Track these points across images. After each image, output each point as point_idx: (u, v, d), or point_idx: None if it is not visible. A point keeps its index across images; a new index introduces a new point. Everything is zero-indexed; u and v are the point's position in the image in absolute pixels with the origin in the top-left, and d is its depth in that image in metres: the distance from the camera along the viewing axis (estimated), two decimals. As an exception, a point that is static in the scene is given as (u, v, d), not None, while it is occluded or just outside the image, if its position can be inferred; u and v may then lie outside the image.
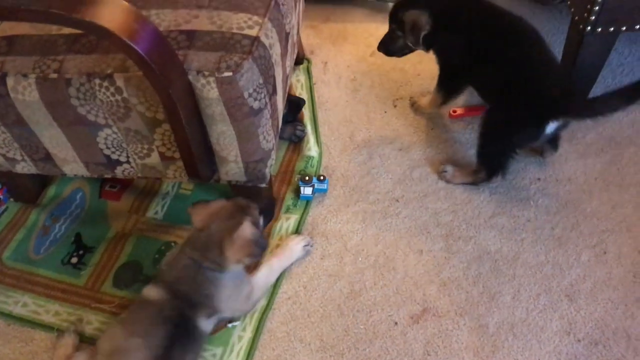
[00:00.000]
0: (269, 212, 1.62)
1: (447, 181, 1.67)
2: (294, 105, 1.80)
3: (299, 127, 1.78)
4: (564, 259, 1.49)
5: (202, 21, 1.27)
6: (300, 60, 2.01)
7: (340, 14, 2.18)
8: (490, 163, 1.62)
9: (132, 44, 1.03)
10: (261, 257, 1.39)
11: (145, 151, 1.36)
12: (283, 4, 1.39)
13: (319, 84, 1.96)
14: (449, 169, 1.68)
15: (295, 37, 1.59)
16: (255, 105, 1.26)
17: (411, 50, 1.70)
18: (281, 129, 1.57)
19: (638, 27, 1.53)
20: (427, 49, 1.67)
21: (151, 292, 1.32)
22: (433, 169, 1.70)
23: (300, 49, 1.97)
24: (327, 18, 2.16)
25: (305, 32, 2.10)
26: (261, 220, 1.39)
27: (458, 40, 1.59)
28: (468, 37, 1.57)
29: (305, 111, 1.85)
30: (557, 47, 1.98)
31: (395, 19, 1.66)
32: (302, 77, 1.96)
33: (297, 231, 1.56)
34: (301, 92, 1.93)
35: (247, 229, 1.29)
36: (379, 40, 1.72)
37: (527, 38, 1.56)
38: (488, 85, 1.62)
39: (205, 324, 1.33)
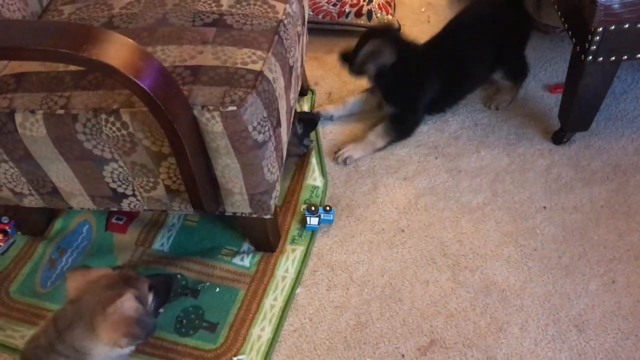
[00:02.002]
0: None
1: (347, 158, 1.81)
2: (309, 122, 1.82)
3: (306, 139, 1.80)
4: (571, 288, 1.48)
5: (207, 57, 1.29)
6: (304, 91, 2.03)
7: (343, 45, 2.17)
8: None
9: (137, 81, 1.05)
10: (145, 339, 1.12)
11: (151, 184, 1.37)
12: (286, 39, 1.41)
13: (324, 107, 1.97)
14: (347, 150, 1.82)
15: (299, 70, 1.61)
16: (260, 138, 1.27)
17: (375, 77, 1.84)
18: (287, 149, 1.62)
19: (639, 56, 1.53)
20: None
21: None
22: (437, 198, 1.70)
23: (304, 80, 1.99)
24: (330, 49, 2.18)
25: (309, 64, 2.12)
26: (150, 298, 1.17)
27: None
28: None
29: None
30: (560, 75, 2.00)
31: (357, 46, 1.79)
32: (307, 108, 1.98)
33: (303, 263, 1.56)
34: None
35: (127, 303, 1.08)
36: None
37: None
38: None
39: None
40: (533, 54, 2.10)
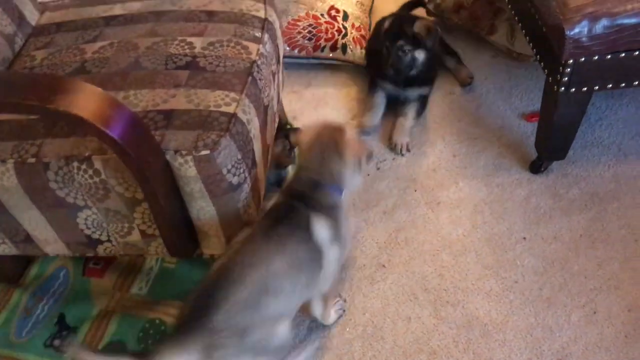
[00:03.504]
0: None
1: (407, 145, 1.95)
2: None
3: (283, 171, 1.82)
4: (553, 320, 1.47)
5: (180, 100, 1.29)
6: (283, 126, 2.03)
7: (321, 79, 2.21)
8: None
9: (106, 131, 1.04)
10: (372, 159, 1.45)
11: (125, 230, 1.35)
12: (260, 79, 1.41)
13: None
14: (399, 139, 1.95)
15: (275, 108, 1.61)
16: (235, 180, 1.26)
17: (413, 67, 1.96)
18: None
19: (610, 86, 1.55)
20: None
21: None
22: (418, 231, 1.69)
23: (282, 115, 1.99)
24: (308, 83, 2.19)
25: (287, 98, 2.13)
26: None
27: None
28: None
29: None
30: (535, 103, 2.02)
31: (402, 36, 1.92)
32: (284, 144, 1.98)
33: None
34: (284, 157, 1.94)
35: (353, 134, 1.39)
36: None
37: None
38: None
39: (320, 229, 1.23)
40: (508, 82, 2.12)
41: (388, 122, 2.03)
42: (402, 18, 2.05)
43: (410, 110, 2.01)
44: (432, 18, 1.97)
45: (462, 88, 2.14)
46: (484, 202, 1.75)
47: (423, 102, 2.05)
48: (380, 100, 2.07)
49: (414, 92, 2.03)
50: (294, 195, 1.28)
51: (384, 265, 1.62)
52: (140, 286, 1.59)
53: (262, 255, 1.18)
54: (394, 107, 2.04)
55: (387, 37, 1.97)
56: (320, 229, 1.24)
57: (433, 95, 2.09)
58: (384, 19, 2.09)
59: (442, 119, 2.02)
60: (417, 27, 1.91)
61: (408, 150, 1.94)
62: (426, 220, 1.72)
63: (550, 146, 1.74)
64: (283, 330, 1.21)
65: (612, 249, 1.61)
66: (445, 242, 1.66)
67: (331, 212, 1.28)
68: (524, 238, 1.65)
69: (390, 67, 1.95)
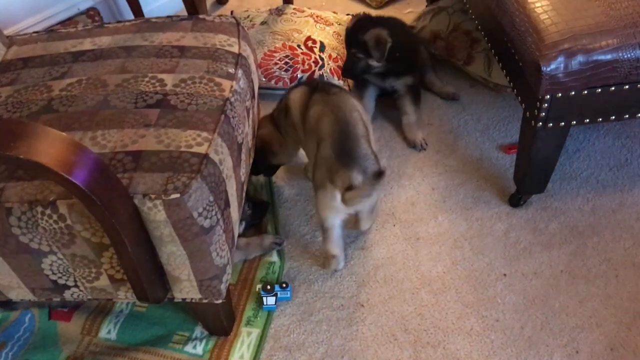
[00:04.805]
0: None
1: (423, 140, 2.02)
2: (259, 208, 1.78)
3: (277, 241, 1.73)
4: (536, 361, 1.44)
5: (149, 140, 1.25)
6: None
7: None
8: None
9: (69, 178, 0.99)
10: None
11: (93, 275, 1.30)
12: (234, 117, 1.37)
13: (278, 182, 1.93)
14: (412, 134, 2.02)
15: (250, 143, 1.58)
16: (206, 223, 1.22)
17: (369, 71, 2.03)
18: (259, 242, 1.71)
19: (587, 120, 1.54)
20: (387, 62, 1.99)
21: None
22: (397, 268, 1.66)
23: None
24: (285, 115, 2.16)
25: (264, 130, 2.09)
26: None
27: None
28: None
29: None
30: (513, 134, 2.01)
31: (355, 43, 1.97)
32: (261, 176, 1.94)
33: (259, 347, 1.49)
34: (260, 191, 1.90)
35: None
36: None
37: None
38: None
39: None
40: (486, 113, 2.11)
41: (391, 123, 2.11)
42: (363, 23, 2.03)
43: (407, 106, 2.05)
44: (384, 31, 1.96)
45: (450, 101, 2.18)
46: (463, 237, 1.72)
47: (415, 91, 2.09)
48: (369, 93, 2.12)
49: (398, 82, 2.07)
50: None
51: (362, 305, 1.58)
52: (109, 329, 1.53)
53: (345, 104, 1.59)
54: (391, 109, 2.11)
55: (345, 40, 2.03)
56: None
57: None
58: (352, 18, 2.15)
59: (420, 150, 2.00)
60: (367, 37, 1.93)
61: (426, 143, 2.01)
62: (405, 256, 1.69)
63: (528, 180, 1.72)
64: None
65: (593, 285, 1.58)
66: (425, 280, 1.63)
67: None
68: (505, 274, 1.63)
69: (345, 71, 2.06)
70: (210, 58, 1.47)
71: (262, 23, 2.33)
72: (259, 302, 1.57)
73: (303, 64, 2.18)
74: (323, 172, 1.50)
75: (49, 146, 1.01)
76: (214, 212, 1.23)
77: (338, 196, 1.45)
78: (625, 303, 1.54)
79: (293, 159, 1.90)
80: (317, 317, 1.55)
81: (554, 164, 1.69)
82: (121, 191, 1.12)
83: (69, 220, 1.17)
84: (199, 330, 1.52)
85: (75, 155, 1.03)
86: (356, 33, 1.98)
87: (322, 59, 2.20)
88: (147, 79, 1.40)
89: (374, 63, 1.99)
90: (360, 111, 1.61)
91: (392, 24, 2.08)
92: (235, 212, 1.40)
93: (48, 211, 1.16)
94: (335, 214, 1.55)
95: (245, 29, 2.32)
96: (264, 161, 1.79)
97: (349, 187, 1.43)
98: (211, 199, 1.22)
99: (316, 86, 1.69)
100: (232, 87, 1.41)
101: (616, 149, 1.96)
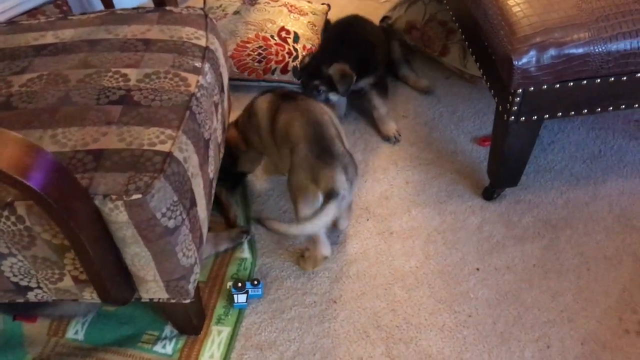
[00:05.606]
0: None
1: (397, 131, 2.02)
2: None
3: (244, 229, 1.72)
4: (507, 356, 1.44)
5: (111, 139, 1.21)
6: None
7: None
8: None
9: (24, 181, 0.96)
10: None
11: (56, 276, 1.26)
12: (200, 113, 1.34)
13: (250, 177, 1.90)
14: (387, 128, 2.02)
15: (219, 139, 1.54)
16: (170, 224, 1.19)
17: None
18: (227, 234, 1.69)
19: (560, 114, 1.53)
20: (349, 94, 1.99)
21: None
22: (370, 264, 1.64)
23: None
24: (259, 107, 2.13)
25: (237, 123, 2.06)
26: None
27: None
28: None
29: (237, 207, 1.79)
30: (488, 126, 2.00)
31: (318, 76, 1.90)
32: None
33: (230, 346, 1.47)
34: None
35: None
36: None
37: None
38: None
39: None
40: (461, 105, 2.10)
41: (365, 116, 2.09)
42: (323, 55, 2.01)
43: (375, 100, 2.03)
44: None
45: (424, 95, 2.17)
46: (437, 232, 1.71)
47: (381, 84, 2.07)
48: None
49: (362, 82, 2.02)
50: None
51: (335, 301, 1.56)
52: (76, 329, 1.50)
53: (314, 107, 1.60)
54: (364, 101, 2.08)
55: (304, 71, 1.95)
56: None
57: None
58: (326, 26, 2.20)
59: (395, 143, 1.98)
60: (332, 70, 1.88)
61: (400, 135, 2.02)
62: (379, 251, 1.67)
63: (502, 174, 1.71)
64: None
65: (566, 279, 1.58)
66: (398, 275, 1.62)
67: None
68: (477, 269, 1.62)
69: None
70: (176, 52, 1.43)
71: (235, 12, 2.28)
72: (230, 300, 1.55)
73: (277, 55, 2.14)
74: (302, 174, 1.47)
75: (3, 148, 0.97)
76: (178, 212, 1.20)
77: (322, 197, 1.43)
78: (596, 297, 1.54)
79: (256, 167, 1.87)
80: (289, 314, 1.54)
81: (527, 157, 1.68)
82: (80, 193, 1.09)
83: (27, 222, 1.13)
84: (168, 330, 1.50)
85: (30, 157, 0.99)
86: (317, 66, 1.92)
87: (296, 50, 2.16)
88: (110, 74, 1.35)
89: (334, 97, 1.95)
90: (330, 114, 1.61)
91: (354, 26, 2.11)
92: (203, 211, 1.37)
93: (6, 213, 1.12)
94: None
95: (218, 18, 2.30)
96: (227, 168, 1.73)
97: (331, 189, 1.42)
98: (175, 198, 1.19)
99: (283, 95, 1.69)
100: (198, 81, 1.37)
101: (590, 140, 1.95)
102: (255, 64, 2.13)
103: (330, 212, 1.42)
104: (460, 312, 1.53)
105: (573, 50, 1.40)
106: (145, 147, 1.20)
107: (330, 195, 1.42)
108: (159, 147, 1.20)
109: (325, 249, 1.57)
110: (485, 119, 2.04)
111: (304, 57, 2.04)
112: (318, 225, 1.44)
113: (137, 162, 1.17)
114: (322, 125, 1.53)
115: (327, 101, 1.93)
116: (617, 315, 1.50)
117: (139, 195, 1.12)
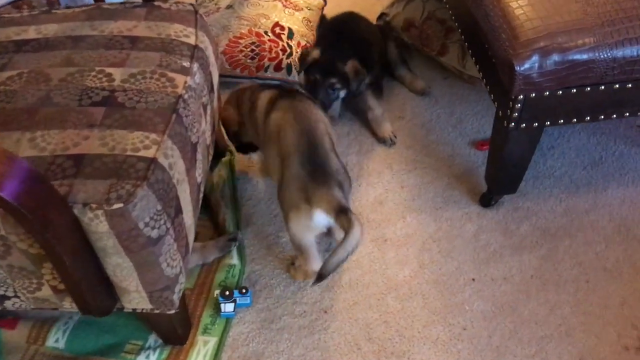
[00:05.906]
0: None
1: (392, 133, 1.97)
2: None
3: (230, 236, 1.65)
4: (503, 372, 1.39)
5: (93, 143, 1.15)
6: (222, 152, 1.89)
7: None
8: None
9: (-5, 191, 0.90)
10: None
11: (34, 286, 1.21)
12: (187, 116, 1.28)
13: (242, 179, 1.84)
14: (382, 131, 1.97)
15: (208, 141, 1.48)
16: (154, 234, 1.13)
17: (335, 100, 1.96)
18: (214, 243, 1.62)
19: (562, 121, 1.48)
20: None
21: None
22: (362, 272, 1.59)
23: (221, 141, 1.86)
24: (251, 105, 2.07)
25: (228, 121, 2.00)
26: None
27: None
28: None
29: (227, 210, 1.73)
30: (487, 129, 1.95)
31: (334, 73, 1.87)
32: (224, 172, 1.84)
33: (216, 357, 1.42)
34: (222, 186, 1.81)
35: None
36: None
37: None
38: None
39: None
40: (459, 106, 2.04)
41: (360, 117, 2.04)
42: (334, 49, 1.94)
43: (370, 100, 1.98)
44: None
45: (420, 96, 2.12)
46: (432, 239, 1.66)
47: (375, 85, 2.02)
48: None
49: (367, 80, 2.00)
50: None
51: (325, 312, 1.51)
52: (56, 337, 1.44)
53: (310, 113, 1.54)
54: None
55: (318, 69, 1.89)
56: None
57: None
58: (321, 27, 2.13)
59: (390, 145, 1.93)
60: (348, 68, 1.87)
61: (395, 136, 1.96)
62: (372, 259, 1.62)
63: (500, 180, 1.66)
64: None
65: (564, 291, 1.54)
66: (392, 284, 1.56)
67: None
68: (473, 279, 1.57)
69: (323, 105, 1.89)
70: (163, 50, 1.37)
71: (228, 7, 2.22)
72: (217, 309, 1.49)
73: (270, 51, 2.08)
74: (294, 192, 1.41)
75: (-30, 156, 0.91)
76: (162, 222, 1.15)
77: (315, 215, 1.37)
78: (595, 310, 1.50)
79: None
80: (278, 324, 1.48)
81: (527, 164, 1.63)
82: (58, 202, 1.03)
83: (2, 231, 1.07)
84: (153, 339, 1.44)
85: (3, 166, 0.93)
86: (333, 63, 1.88)
87: (290, 46, 2.10)
88: (93, 73, 1.29)
89: (343, 94, 1.94)
90: (326, 122, 1.56)
91: (350, 24, 2.08)
92: (189, 217, 1.32)
93: (-21, 221, 1.07)
94: (313, 233, 1.46)
95: (210, 12, 2.23)
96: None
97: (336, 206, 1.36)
98: (159, 207, 1.13)
99: (282, 91, 1.64)
100: (186, 82, 1.31)
101: (591, 146, 1.90)
102: (248, 60, 2.07)
103: (357, 235, 1.34)
104: (455, 325, 1.48)
105: (577, 56, 1.34)
106: (129, 153, 1.14)
107: (341, 214, 1.36)
108: (142, 153, 1.14)
109: (316, 264, 1.51)
110: (483, 121, 1.99)
111: (303, 52, 1.99)
112: (307, 232, 1.44)
113: (120, 168, 1.11)
114: (316, 136, 1.47)
115: (337, 98, 1.93)
116: (616, 331, 1.46)
117: (121, 205, 1.06)
